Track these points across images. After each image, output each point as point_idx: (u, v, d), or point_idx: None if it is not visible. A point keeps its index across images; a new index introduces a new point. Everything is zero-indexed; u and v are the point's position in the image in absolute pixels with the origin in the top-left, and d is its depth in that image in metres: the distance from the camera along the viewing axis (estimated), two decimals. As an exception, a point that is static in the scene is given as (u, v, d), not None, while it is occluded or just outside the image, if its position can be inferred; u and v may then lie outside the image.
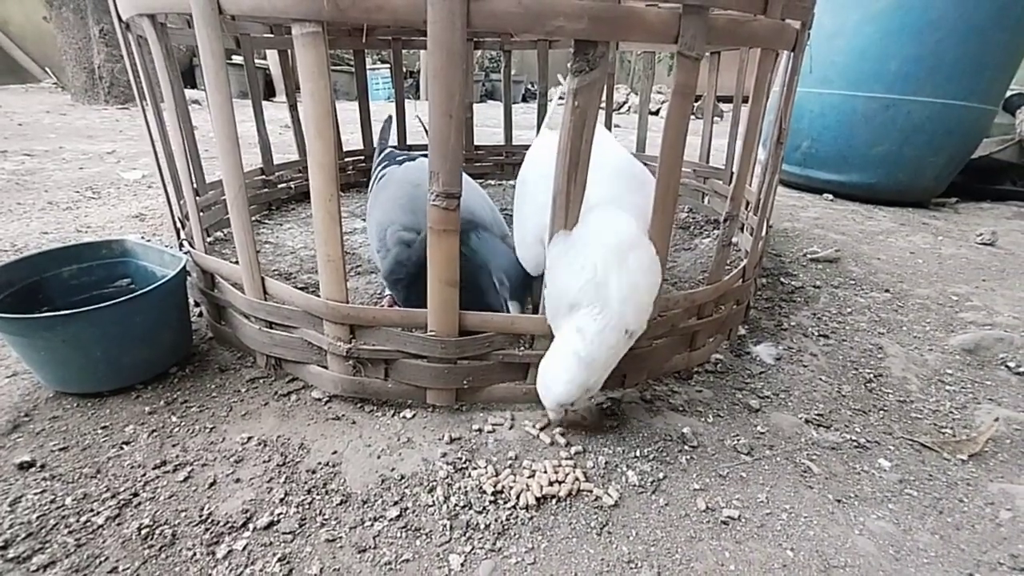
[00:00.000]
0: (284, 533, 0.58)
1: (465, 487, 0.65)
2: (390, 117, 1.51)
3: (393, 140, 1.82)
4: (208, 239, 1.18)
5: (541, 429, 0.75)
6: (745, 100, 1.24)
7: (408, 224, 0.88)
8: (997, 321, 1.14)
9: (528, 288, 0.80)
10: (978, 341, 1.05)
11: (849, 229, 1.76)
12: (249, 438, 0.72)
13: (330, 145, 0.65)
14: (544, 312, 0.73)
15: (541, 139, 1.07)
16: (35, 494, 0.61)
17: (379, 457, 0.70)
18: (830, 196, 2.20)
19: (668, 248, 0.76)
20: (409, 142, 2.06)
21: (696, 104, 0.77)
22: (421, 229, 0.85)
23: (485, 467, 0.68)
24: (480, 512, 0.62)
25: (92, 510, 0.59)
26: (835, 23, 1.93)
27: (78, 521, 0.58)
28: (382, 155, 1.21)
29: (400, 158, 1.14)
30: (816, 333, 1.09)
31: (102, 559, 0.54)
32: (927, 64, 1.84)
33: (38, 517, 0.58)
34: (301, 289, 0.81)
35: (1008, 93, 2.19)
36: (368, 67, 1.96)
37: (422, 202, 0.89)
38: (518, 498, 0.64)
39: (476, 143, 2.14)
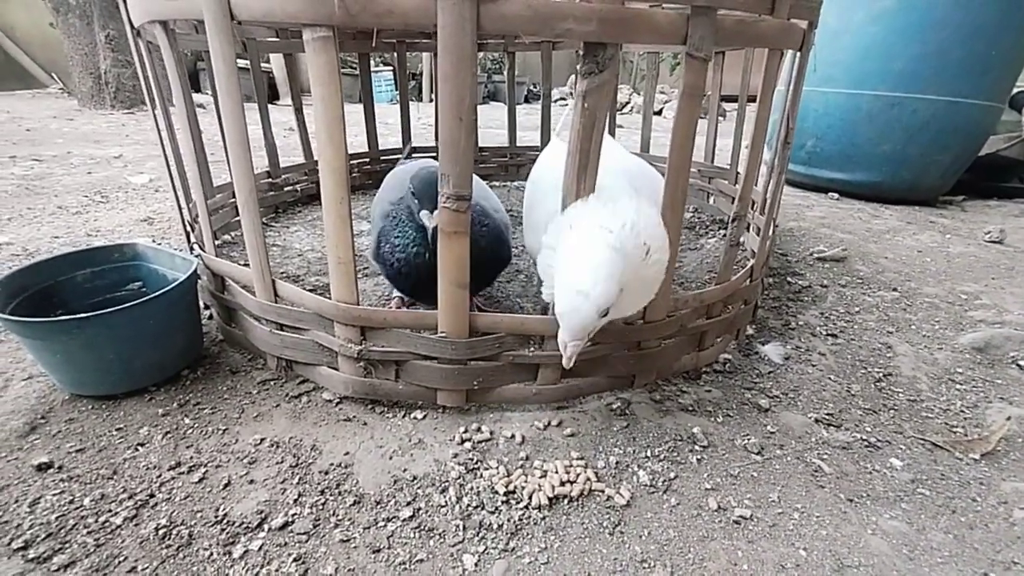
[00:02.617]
0: (299, 533, 0.59)
1: (477, 487, 0.66)
2: (409, 148, 1.54)
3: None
4: (216, 242, 1.18)
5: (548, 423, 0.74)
6: (751, 99, 1.24)
7: (393, 199, 0.89)
8: (1007, 319, 1.13)
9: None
10: (988, 339, 1.05)
11: (855, 228, 1.76)
12: (262, 439, 0.72)
13: (341, 149, 0.65)
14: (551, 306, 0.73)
15: (553, 146, 1.08)
16: (54, 495, 0.62)
17: (391, 458, 0.70)
18: (835, 195, 2.19)
19: (677, 249, 0.76)
20: (415, 144, 2.06)
21: (701, 103, 0.77)
22: (402, 201, 0.86)
23: (497, 467, 0.68)
24: (493, 512, 0.63)
25: (110, 511, 0.60)
26: (840, 22, 1.92)
27: (96, 521, 0.58)
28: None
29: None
30: (824, 332, 1.08)
31: (121, 559, 0.55)
32: (932, 62, 1.83)
33: (57, 518, 0.59)
34: (309, 291, 0.81)
35: (1014, 90, 2.17)
36: (371, 69, 1.97)
37: (411, 182, 0.91)
38: (530, 498, 0.64)
39: (480, 144, 2.15)
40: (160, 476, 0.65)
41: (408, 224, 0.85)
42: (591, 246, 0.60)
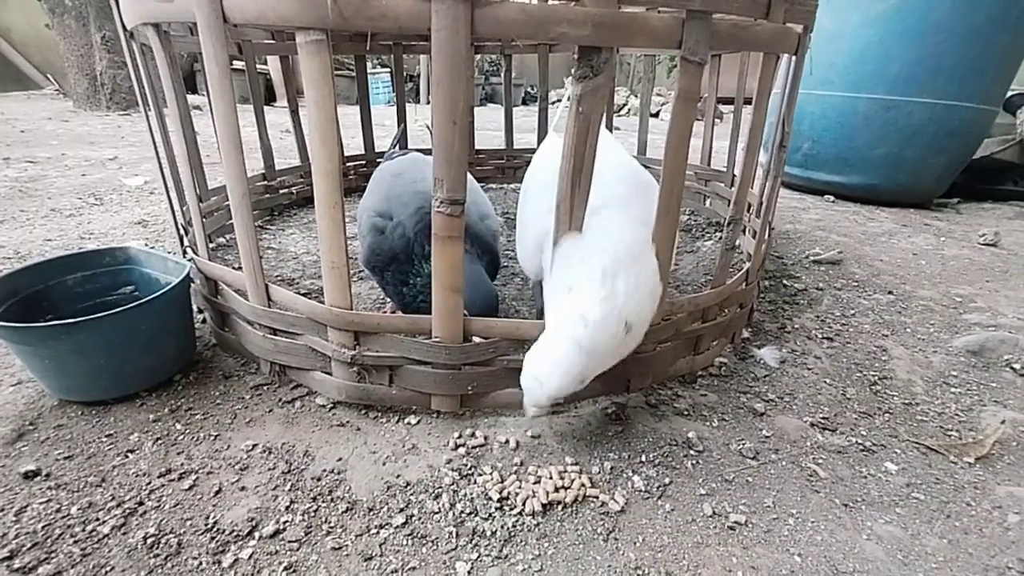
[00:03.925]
0: (290, 541, 0.58)
1: (471, 494, 0.65)
2: (400, 130, 1.52)
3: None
4: (211, 245, 1.18)
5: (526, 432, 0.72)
6: (747, 102, 1.24)
7: (381, 210, 0.88)
8: (1001, 322, 1.13)
9: (491, 312, 0.80)
10: (983, 342, 1.05)
11: (851, 231, 1.76)
12: (254, 445, 0.72)
13: (334, 152, 0.65)
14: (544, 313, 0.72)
15: (547, 143, 1.07)
16: (40, 503, 0.61)
17: (384, 464, 0.70)
18: (831, 198, 2.20)
19: (673, 252, 0.76)
20: (411, 147, 2.06)
21: (697, 106, 0.77)
22: (393, 216, 0.86)
23: (491, 473, 0.68)
24: (486, 519, 0.62)
25: (98, 519, 0.59)
26: (835, 25, 1.93)
27: (84, 530, 0.58)
28: (384, 159, 1.22)
29: (395, 156, 1.15)
30: (820, 336, 1.08)
31: (108, 569, 0.54)
32: (928, 66, 1.84)
33: (43, 527, 0.58)
34: (304, 295, 0.81)
35: (1009, 93, 2.19)
36: (368, 71, 1.97)
37: (398, 190, 0.90)
38: (524, 504, 0.64)
39: (477, 147, 2.15)
40: (150, 483, 0.65)
41: (411, 270, 0.85)
42: (558, 338, 0.63)
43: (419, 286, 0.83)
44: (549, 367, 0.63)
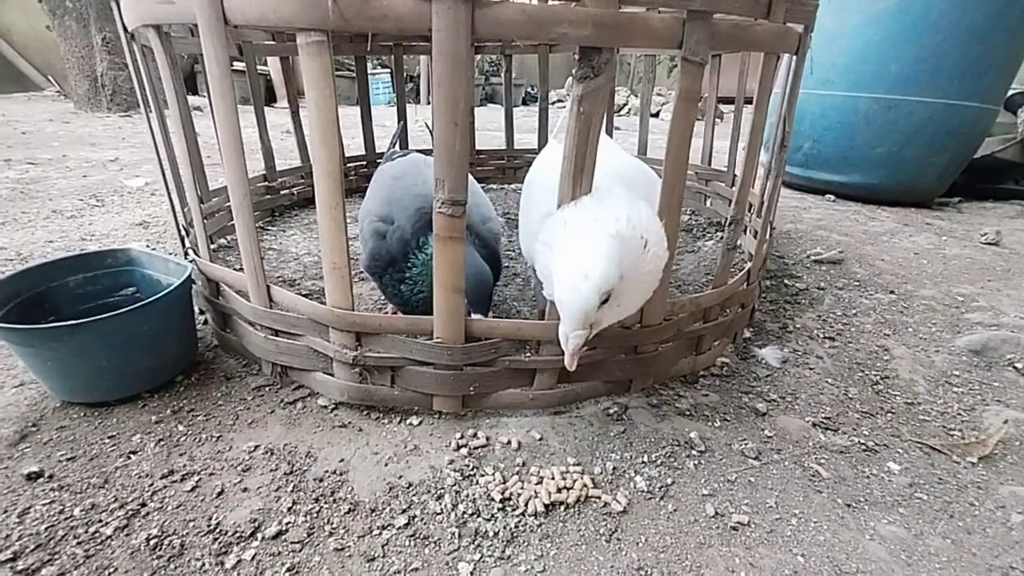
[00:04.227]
0: (293, 542, 0.58)
1: (473, 494, 0.65)
2: (399, 128, 1.52)
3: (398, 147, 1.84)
4: (212, 246, 1.18)
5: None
6: (747, 102, 1.24)
7: (382, 215, 0.88)
8: (1003, 321, 1.13)
9: (489, 297, 0.79)
10: (985, 342, 1.05)
11: (852, 230, 1.76)
12: (256, 447, 0.72)
13: (335, 153, 0.65)
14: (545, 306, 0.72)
15: (549, 148, 1.07)
16: (43, 505, 0.61)
17: (386, 465, 0.70)
18: (832, 197, 2.20)
19: (674, 252, 0.76)
20: (412, 147, 2.06)
21: (697, 105, 0.77)
22: (394, 220, 0.86)
23: (493, 474, 0.68)
24: (489, 520, 0.62)
25: (100, 520, 0.59)
26: (836, 25, 1.93)
27: (86, 532, 0.58)
28: (384, 159, 1.22)
29: (396, 157, 1.15)
30: (822, 335, 1.08)
31: (111, 570, 0.54)
32: (928, 65, 1.84)
33: (47, 528, 0.58)
34: (305, 295, 0.81)
35: (1009, 92, 2.18)
36: (368, 72, 1.97)
37: (399, 193, 0.90)
38: (526, 505, 0.63)
39: (477, 147, 2.15)
40: (152, 485, 0.65)
41: (406, 266, 0.84)
42: (588, 233, 0.60)
43: (415, 277, 0.83)
44: (590, 256, 0.58)
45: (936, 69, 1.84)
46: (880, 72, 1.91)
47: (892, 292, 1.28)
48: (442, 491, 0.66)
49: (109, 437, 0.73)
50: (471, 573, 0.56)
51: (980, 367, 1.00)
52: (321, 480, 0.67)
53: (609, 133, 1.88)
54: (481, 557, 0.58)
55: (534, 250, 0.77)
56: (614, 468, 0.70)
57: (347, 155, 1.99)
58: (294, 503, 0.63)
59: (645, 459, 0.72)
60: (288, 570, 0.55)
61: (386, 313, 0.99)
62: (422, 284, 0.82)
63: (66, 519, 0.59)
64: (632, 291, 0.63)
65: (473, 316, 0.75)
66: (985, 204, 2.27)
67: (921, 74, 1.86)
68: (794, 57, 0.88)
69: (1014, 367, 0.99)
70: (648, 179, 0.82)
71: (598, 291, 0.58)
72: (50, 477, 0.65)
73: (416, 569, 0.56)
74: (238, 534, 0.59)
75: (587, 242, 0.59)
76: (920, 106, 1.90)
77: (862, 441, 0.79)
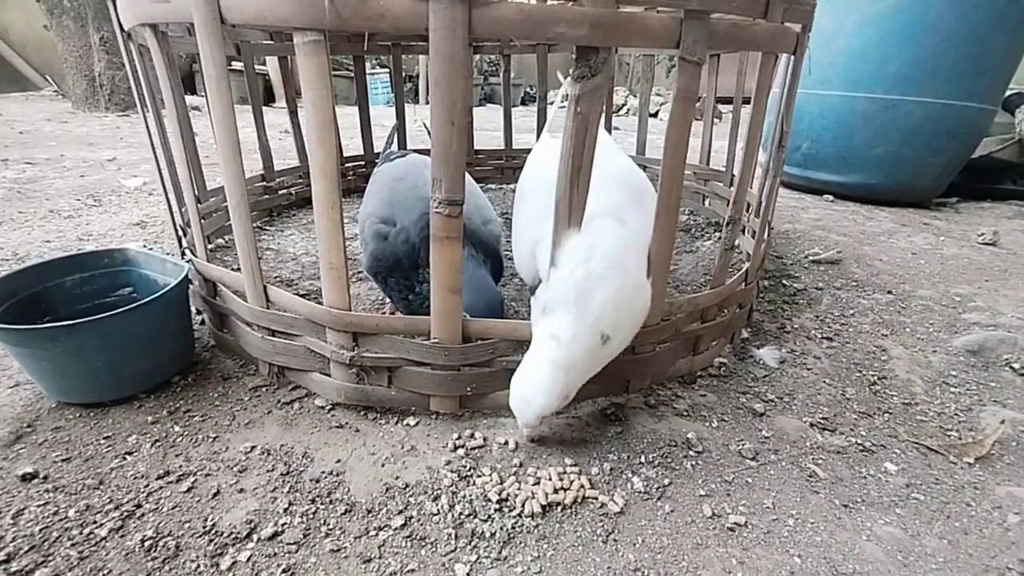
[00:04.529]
0: (288, 544, 0.58)
1: (470, 495, 0.65)
2: (395, 126, 1.52)
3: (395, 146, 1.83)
4: (210, 246, 1.18)
5: (513, 450, 0.73)
6: (745, 101, 1.24)
7: (384, 216, 0.88)
8: (1000, 322, 1.13)
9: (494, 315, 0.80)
10: (982, 342, 1.05)
11: (850, 230, 1.76)
12: (252, 447, 0.72)
13: (332, 153, 0.65)
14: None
15: (541, 145, 1.07)
16: (38, 506, 0.61)
17: (383, 465, 0.70)
18: (830, 197, 2.20)
19: (672, 252, 0.76)
20: (410, 147, 2.06)
21: (695, 105, 0.77)
22: (397, 221, 0.85)
23: (490, 475, 0.68)
24: (485, 520, 0.62)
25: (95, 522, 0.59)
26: (834, 25, 1.93)
27: (81, 533, 0.57)
28: (381, 158, 1.22)
29: (394, 157, 1.15)
30: (819, 336, 1.08)
31: (105, 572, 0.54)
32: (926, 65, 1.84)
33: (41, 530, 0.58)
34: (303, 296, 0.81)
35: (1007, 92, 2.19)
36: (367, 72, 1.97)
37: (401, 195, 0.90)
38: (523, 506, 0.63)
39: (476, 147, 2.15)
40: (148, 486, 0.64)
41: (416, 277, 0.85)
42: (536, 360, 0.66)
43: (425, 293, 0.83)
44: (532, 388, 0.66)
45: (934, 69, 1.84)
46: (878, 72, 1.91)
47: (890, 292, 1.28)
48: (439, 492, 0.65)
49: (104, 438, 0.72)
50: (467, 574, 0.56)
51: (977, 367, 1.00)
52: (318, 481, 0.67)
53: (608, 133, 1.87)
54: (478, 558, 0.58)
55: (523, 251, 0.77)
56: (611, 469, 0.70)
57: (346, 155, 1.99)
58: (290, 504, 0.63)
59: (642, 460, 0.72)
60: (284, 571, 0.55)
61: (383, 313, 0.99)
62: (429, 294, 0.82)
63: (60, 520, 0.59)
64: (585, 378, 0.69)
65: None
66: (983, 204, 2.28)
67: (919, 74, 1.86)
68: (792, 57, 0.88)
69: (1011, 367, 0.99)
70: (642, 196, 0.80)
71: (537, 418, 0.67)
72: (45, 478, 0.65)
73: (412, 570, 0.56)
74: (234, 535, 0.58)
75: (533, 371, 0.66)
76: (918, 106, 1.90)
77: (859, 441, 0.79)
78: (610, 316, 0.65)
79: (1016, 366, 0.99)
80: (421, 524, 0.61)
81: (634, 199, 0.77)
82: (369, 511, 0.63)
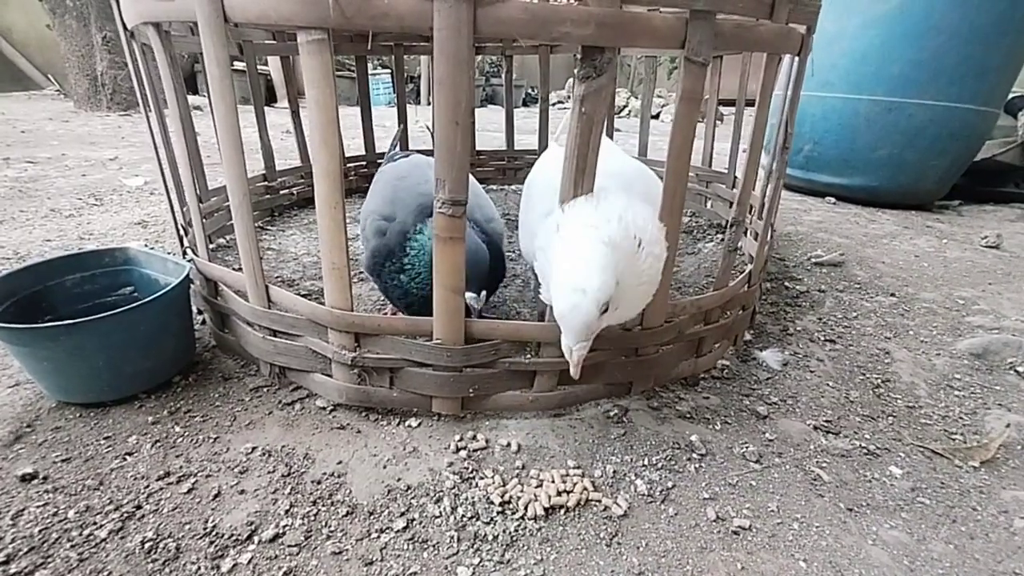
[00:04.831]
0: (290, 546, 0.58)
1: (472, 497, 0.64)
2: (399, 130, 1.52)
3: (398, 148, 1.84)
4: (211, 246, 1.17)
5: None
6: (749, 104, 1.24)
7: (386, 214, 0.87)
8: (1004, 325, 1.13)
9: (484, 279, 0.78)
10: (986, 345, 1.04)
11: (852, 233, 1.76)
12: (253, 448, 0.71)
13: (335, 153, 0.65)
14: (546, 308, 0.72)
15: (550, 151, 1.07)
16: (37, 507, 0.60)
17: (385, 467, 0.69)
18: (833, 199, 2.19)
19: (675, 253, 0.75)
20: (411, 148, 2.06)
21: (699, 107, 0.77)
22: (396, 218, 0.85)
23: (492, 477, 0.67)
24: (488, 523, 0.61)
25: (95, 523, 0.59)
26: (837, 27, 1.93)
27: (81, 535, 0.57)
28: (385, 159, 1.22)
29: (397, 157, 1.15)
30: (822, 338, 1.08)
31: (105, 574, 0.53)
32: (929, 67, 1.84)
33: (40, 531, 0.57)
34: (304, 296, 0.80)
35: (1010, 95, 2.18)
36: (369, 72, 1.97)
37: (403, 193, 0.90)
38: (526, 508, 0.63)
39: (478, 148, 2.14)
40: (148, 487, 0.64)
41: (404, 256, 0.84)
42: (581, 243, 0.59)
43: (412, 261, 0.82)
44: (584, 269, 0.57)
45: (937, 72, 1.84)
46: (881, 74, 1.91)
47: (893, 295, 1.28)
48: (441, 494, 0.65)
49: (105, 438, 0.72)
50: (470, 577, 0.55)
51: (981, 371, 0.99)
52: (319, 482, 0.66)
53: (610, 135, 1.87)
54: (480, 561, 0.57)
55: (533, 249, 0.76)
56: (614, 471, 0.70)
57: (347, 155, 1.99)
58: (291, 505, 0.62)
59: (645, 462, 0.72)
60: (285, 574, 0.54)
61: (385, 314, 0.99)
62: (420, 266, 0.81)
63: (60, 521, 0.59)
64: (631, 294, 0.63)
65: (467, 294, 0.73)
66: (985, 207, 2.27)
67: (922, 76, 1.86)
68: (796, 58, 0.88)
69: (1015, 371, 0.98)
70: (647, 180, 0.82)
71: (597, 304, 0.58)
72: (44, 479, 0.65)
73: (414, 573, 0.55)
74: (234, 537, 0.58)
75: (581, 253, 0.59)
76: (921, 109, 1.90)
77: (863, 445, 0.78)
78: (641, 223, 0.61)
79: (1020, 369, 0.98)
80: (423, 526, 0.61)
81: (638, 176, 0.77)
82: (371, 513, 0.62)
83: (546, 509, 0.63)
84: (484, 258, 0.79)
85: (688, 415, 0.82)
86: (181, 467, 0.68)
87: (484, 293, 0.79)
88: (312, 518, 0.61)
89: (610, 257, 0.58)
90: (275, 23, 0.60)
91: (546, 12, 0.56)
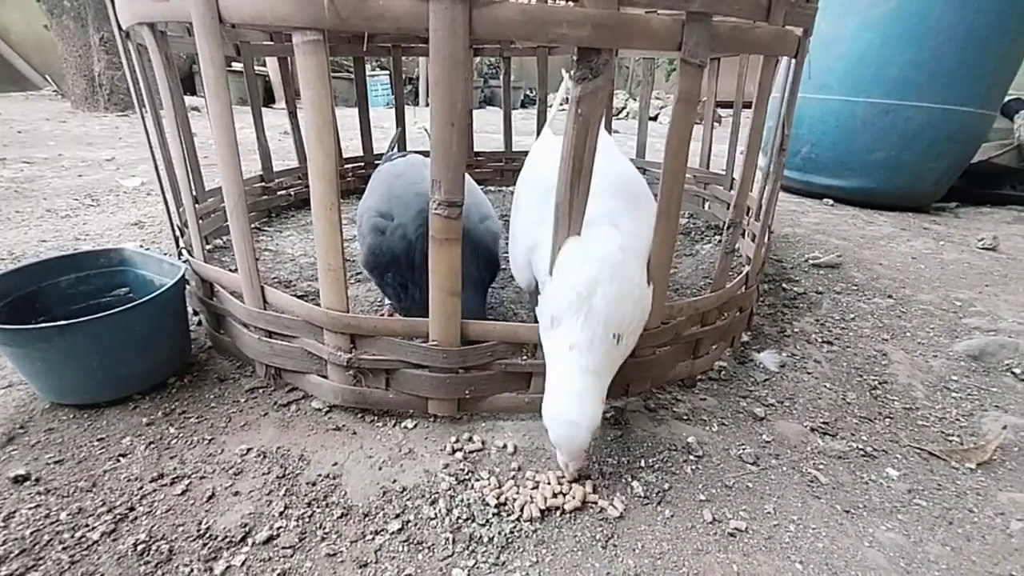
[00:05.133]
0: (284, 548, 0.57)
1: (468, 499, 0.64)
2: (398, 132, 1.52)
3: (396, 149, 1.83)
4: (208, 247, 1.17)
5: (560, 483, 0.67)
6: (746, 106, 1.24)
7: (383, 211, 0.87)
8: (1001, 327, 1.13)
9: (479, 287, 0.79)
10: (983, 347, 1.04)
11: (850, 234, 1.76)
12: (248, 449, 0.71)
13: (331, 154, 0.64)
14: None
15: (541, 141, 1.06)
16: (29, 509, 0.60)
17: (380, 468, 0.69)
18: (830, 201, 2.20)
19: (672, 255, 0.75)
20: (410, 149, 2.06)
21: (696, 109, 0.76)
22: (394, 216, 0.85)
23: (488, 478, 0.67)
24: (483, 525, 0.61)
25: (87, 525, 0.58)
26: (834, 29, 1.93)
27: (73, 537, 0.57)
28: (383, 160, 1.22)
29: (395, 157, 1.15)
30: (820, 340, 1.08)
31: (97, 576, 0.53)
32: (926, 70, 1.84)
33: (32, 533, 0.57)
34: (301, 297, 0.80)
35: (1006, 98, 2.19)
36: (367, 73, 1.97)
37: (399, 191, 0.90)
38: (522, 510, 0.63)
39: (476, 149, 2.14)
40: (141, 488, 0.64)
41: (412, 277, 0.84)
42: (567, 371, 0.63)
43: (415, 297, 0.82)
44: (576, 404, 0.61)
45: (934, 74, 1.84)
46: (878, 76, 1.91)
47: (890, 296, 1.28)
48: (436, 496, 0.65)
49: (98, 440, 0.71)
50: (465, 580, 0.55)
51: (978, 372, 0.99)
52: (314, 484, 0.66)
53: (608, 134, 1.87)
54: (475, 563, 0.57)
55: (522, 261, 0.76)
56: (611, 473, 0.70)
57: (345, 156, 1.99)
58: (286, 507, 0.62)
59: (642, 464, 0.71)
60: (279, 576, 0.54)
61: (382, 315, 0.99)
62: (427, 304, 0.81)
63: (52, 523, 0.58)
64: (611, 370, 0.67)
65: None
66: (982, 209, 2.28)
67: (919, 79, 1.86)
68: (793, 60, 0.88)
69: (1012, 372, 0.98)
70: (639, 201, 0.80)
71: (591, 432, 0.61)
72: (37, 480, 0.64)
73: (409, 575, 0.55)
74: (228, 539, 0.58)
75: (568, 386, 0.62)
76: (918, 111, 1.90)
77: (860, 446, 0.78)
78: (616, 315, 0.64)
79: (1017, 371, 0.98)
80: (418, 528, 0.61)
81: (630, 205, 0.76)
82: (366, 515, 0.62)
83: (542, 511, 0.63)
84: (475, 309, 0.79)
85: (685, 417, 0.82)
86: (175, 468, 0.67)
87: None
88: (307, 520, 0.61)
89: (597, 389, 0.63)
90: (270, 24, 0.60)
91: (542, 13, 0.56)
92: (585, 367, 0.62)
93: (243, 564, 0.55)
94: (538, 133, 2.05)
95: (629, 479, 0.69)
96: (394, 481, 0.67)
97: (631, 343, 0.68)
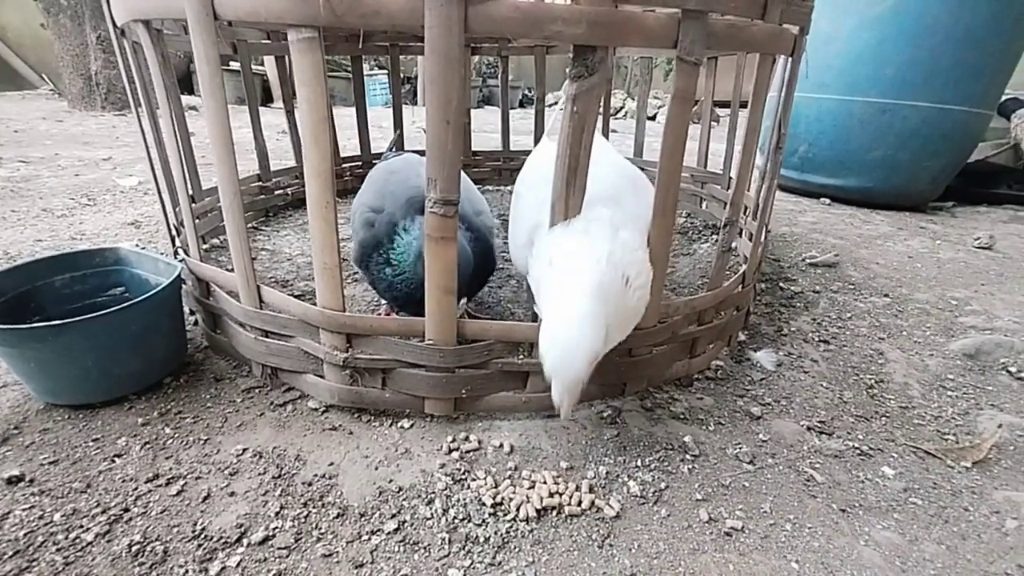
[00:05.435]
0: (279, 548, 0.57)
1: (464, 499, 0.64)
2: (397, 133, 1.52)
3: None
4: (205, 246, 1.16)
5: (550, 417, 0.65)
6: (743, 105, 1.24)
7: (374, 206, 0.87)
8: (997, 325, 1.13)
9: (467, 284, 0.78)
10: (979, 346, 1.05)
11: (847, 233, 1.76)
12: (244, 450, 0.71)
13: (327, 152, 0.64)
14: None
15: (542, 146, 1.07)
16: (23, 510, 0.59)
17: (376, 468, 0.69)
18: (827, 200, 2.20)
19: (669, 254, 0.75)
20: (408, 149, 2.05)
21: (693, 108, 0.77)
22: (384, 209, 0.85)
23: (484, 478, 0.67)
24: (479, 525, 0.61)
25: (81, 526, 0.58)
26: (831, 28, 1.94)
27: (67, 538, 0.56)
28: (381, 159, 1.22)
29: (391, 156, 1.15)
30: (816, 339, 1.08)
31: (91, 577, 0.52)
32: (923, 69, 1.85)
33: (26, 534, 0.56)
34: (298, 296, 0.80)
35: (1003, 97, 2.20)
36: (365, 73, 1.96)
37: (392, 187, 0.90)
38: (518, 510, 0.63)
39: (474, 148, 2.14)
40: (136, 489, 0.63)
41: (391, 248, 0.83)
42: (571, 293, 0.58)
43: (399, 257, 0.81)
44: (576, 326, 0.56)
45: (931, 73, 1.85)
46: (875, 76, 1.91)
47: (886, 296, 1.28)
48: (433, 496, 0.65)
49: (93, 440, 0.71)
50: (461, 580, 0.55)
51: (974, 371, 0.99)
52: (310, 484, 0.66)
53: (605, 136, 1.87)
54: (472, 563, 0.57)
55: (523, 256, 0.76)
56: (607, 472, 0.69)
57: (343, 155, 1.99)
58: (282, 508, 0.62)
59: (639, 463, 0.71)
60: (274, 577, 0.54)
61: (378, 315, 0.98)
62: (406, 264, 0.81)
63: (46, 525, 0.58)
64: (619, 328, 0.63)
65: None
66: (979, 208, 2.29)
67: (916, 78, 1.86)
68: (790, 59, 0.88)
69: (1008, 371, 0.98)
70: (637, 186, 0.81)
71: (588, 362, 0.57)
72: (31, 481, 0.64)
73: (405, 575, 0.55)
74: (223, 540, 0.57)
75: (570, 306, 0.57)
76: (914, 110, 1.91)
77: (856, 445, 0.78)
78: (627, 259, 0.61)
79: (1013, 370, 0.98)
80: (414, 528, 0.60)
81: (630, 186, 0.76)
82: (362, 515, 0.62)
83: (538, 511, 0.63)
84: (466, 265, 0.78)
85: (681, 416, 0.82)
86: (171, 469, 0.67)
87: (464, 300, 0.79)
88: (302, 520, 0.61)
89: (600, 309, 0.57)
90: (265, 21, 0.60)
91: (537, 11, 0.56)
92: (592, 288, 0.57)
93: (238, 565, 0.55)
94: (535, 132, 2.06)
95: (626, 479, 0.69)
96: (390, 481, 0.67)
97: (641, 298, 0.64)
